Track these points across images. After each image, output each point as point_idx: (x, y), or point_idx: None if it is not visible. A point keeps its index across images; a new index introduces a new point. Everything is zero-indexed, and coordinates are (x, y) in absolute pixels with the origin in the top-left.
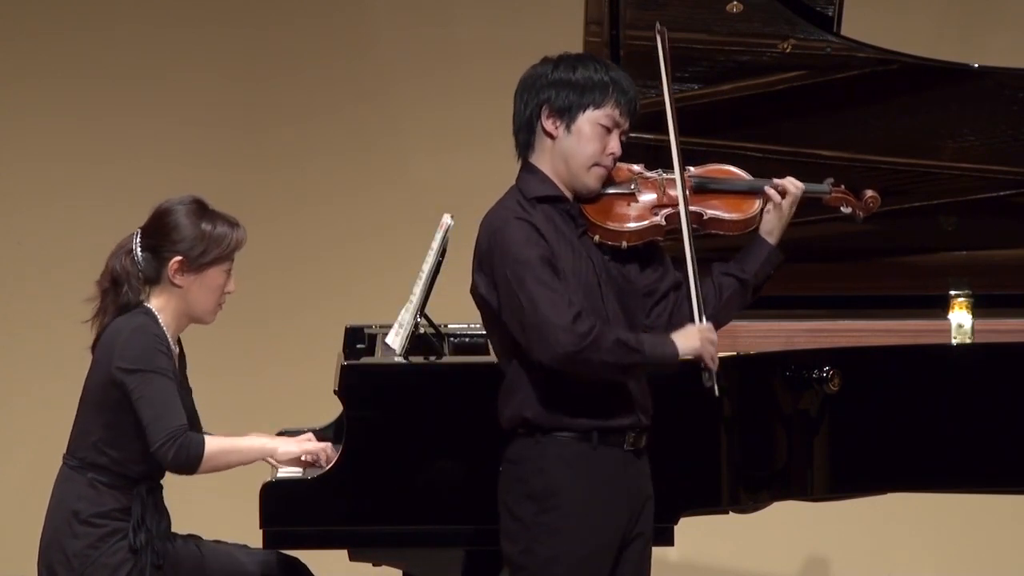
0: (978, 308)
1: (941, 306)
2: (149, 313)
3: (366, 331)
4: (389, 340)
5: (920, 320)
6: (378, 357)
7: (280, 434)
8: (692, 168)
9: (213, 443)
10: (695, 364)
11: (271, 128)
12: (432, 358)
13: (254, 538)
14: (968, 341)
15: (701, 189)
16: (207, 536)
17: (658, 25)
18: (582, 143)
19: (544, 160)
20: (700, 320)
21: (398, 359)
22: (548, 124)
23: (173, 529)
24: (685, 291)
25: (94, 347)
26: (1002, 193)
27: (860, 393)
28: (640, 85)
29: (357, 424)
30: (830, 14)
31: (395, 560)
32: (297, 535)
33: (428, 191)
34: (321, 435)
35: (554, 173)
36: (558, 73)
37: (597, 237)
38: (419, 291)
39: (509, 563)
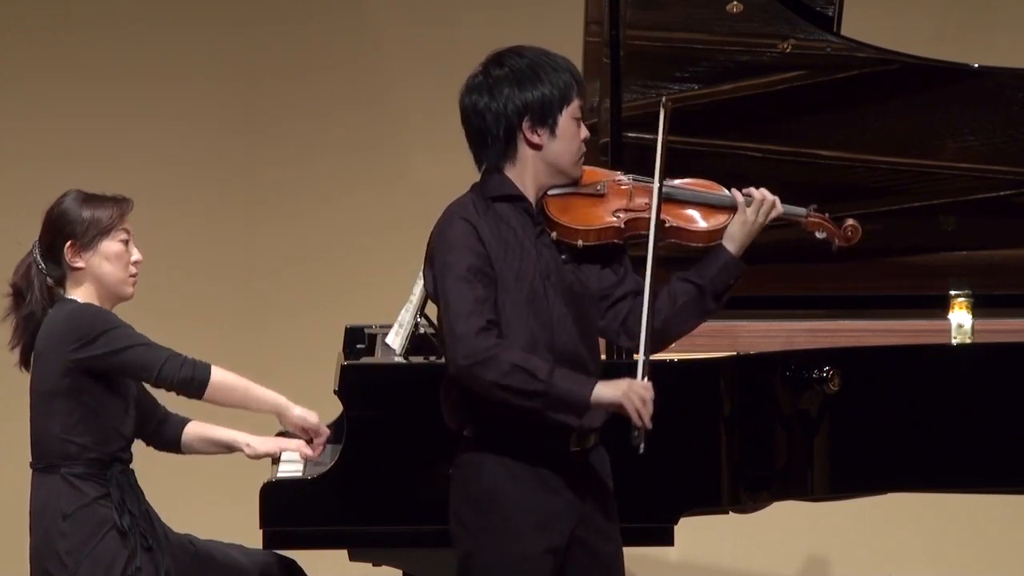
0: (978, 308)
1: (941, 306)
2: (75, 302)
3: (366, 331)
4: (389, 340)
5: (920, 320)
6: (378, 357)
7: (280, 434)
8: (674, 181)
9: (220, 372)
10: (694, 370)
11: (272, 128)
12: (432, 358)
13: (253, 538)
14: (968, 341)
15: (669, 198)
16: (204, 536)
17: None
18: (567, 142)
19: (523, 169)
20: (640, 376)
21: (398, 359)
22: (532, 136)
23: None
24: (639, 306)
25: (24, 360)
26: (1002, 193)
27: (860, 393)
28: (640, 85)
29: (357, 424)
30: (830, 14)
31: (395, 560)
32: (297, 535)
33: (428, 191)
34: None
35: (533, 179)
36: (519, 76)
37: (555, 234)
38: (419, 291)
39: (457, 568)
